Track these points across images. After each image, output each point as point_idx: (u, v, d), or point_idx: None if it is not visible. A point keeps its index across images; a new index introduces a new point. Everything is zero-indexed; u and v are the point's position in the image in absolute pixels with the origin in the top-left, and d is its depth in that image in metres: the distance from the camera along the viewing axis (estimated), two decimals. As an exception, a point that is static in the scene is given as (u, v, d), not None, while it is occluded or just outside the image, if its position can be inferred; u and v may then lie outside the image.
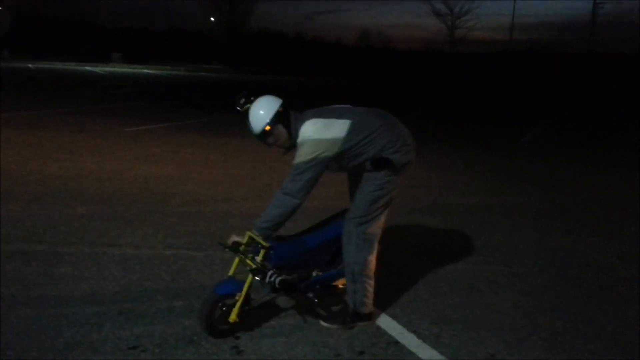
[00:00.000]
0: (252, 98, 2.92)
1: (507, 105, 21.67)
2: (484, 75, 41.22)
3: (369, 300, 3.00)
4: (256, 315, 3.02)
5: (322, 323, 3.02)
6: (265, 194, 5.80)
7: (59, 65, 40.33)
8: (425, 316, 3.22)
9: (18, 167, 6.52)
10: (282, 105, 2.86)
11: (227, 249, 2.90)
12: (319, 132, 2.81)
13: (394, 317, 3.18)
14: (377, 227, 2.97)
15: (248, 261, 2.84)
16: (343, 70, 46.64)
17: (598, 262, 4.31)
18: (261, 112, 2.84)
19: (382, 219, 2.99)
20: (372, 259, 2.97)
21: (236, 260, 2.92)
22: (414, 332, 3.01)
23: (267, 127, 2.82)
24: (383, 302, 3.30)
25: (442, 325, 3.11)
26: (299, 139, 2.83)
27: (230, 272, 2.93)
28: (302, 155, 2.78)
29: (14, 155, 7.19)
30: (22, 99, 14.93)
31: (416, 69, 46.26)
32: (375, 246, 2.99)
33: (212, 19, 58.76)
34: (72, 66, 40.52)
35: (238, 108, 2.92)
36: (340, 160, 2.88)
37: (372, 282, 2.99)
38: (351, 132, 2.83)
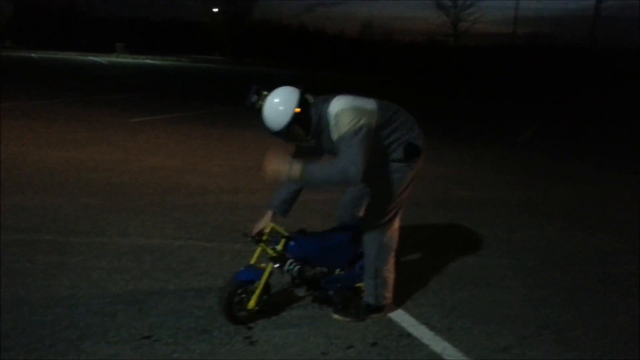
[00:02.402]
0: (264, 93, 2.68)
1: (509, 100, 21.60)
2: (486, 69, 41.05)
3: (389, 293, 3.02)
4: (272, 305, 3.04)
5: (334, 315, 3.01)
6: (271, 186, 5.78)
7: (62, 55, 40.24)
8: (437, 309, 3.22)
9: (23, 158, 6.52)
10: (300, 98, 2.66)
11: (250, 239, 2.93)
12: (353, 102, 2.69)
13: (405, 309, 3.18)
14: (395, 229, 2.96)
15: (269, 250, 2.87)
16: (345, 63, 46.45)
17: (605, 257, 4.31)
18: (280, 108, 2.62)
19: (398, 218, 2.98)
20: (393, 255, 2.98)
21: (258, 249, 2.94)
22: (426, 324, 3.02)
23: (285, 130, 2.63)
24: (394, 295, 3.31)
25: (454, 318, 3.11)
26: (333, 113, 2.64)
27: (252, 261, 2.95)
28: (345, 124, 2.58)
29: (19, 146, 7.18)
30: (26, 89, 14.90)
31: (419, 62, 46.07)
32: (395, 243, 2.98)
33: (215, 9, 58.55)
34: (75, 56, 40.42)
35: (248, 104, 2.69)
36: (372, 140, 2.68)
37: (393, 276, 3.00)
38: (380, 109, 2.77)
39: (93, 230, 4.19)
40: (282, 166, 2.55)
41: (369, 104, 2.77)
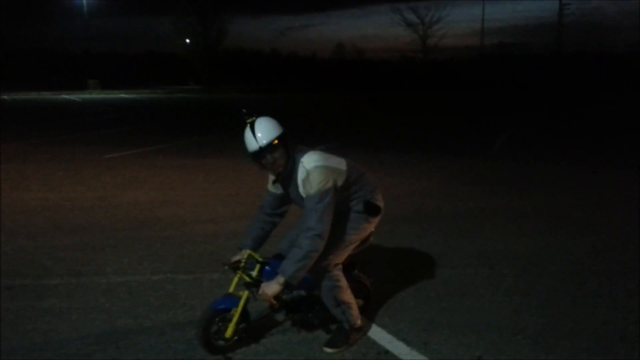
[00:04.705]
0: (254, 117, 2.82)
1: (480, 111, 22.02)
2: (457, 82, 41.94)
3: (357, 311, 3.05)
4: (251, 332, 3.06)
5: (327, 350, 2.96)
6: (250, 212, 5.83)
7: (34, 95, 39.90)
8: (414, 323, 3.28)
9: (-2, 202, 6.45)
10: (284, 132, 2.81)
11: (227, 267, 2.98)
12: (326, 160, 2.84)
13: (383, 326, 3.23)
14: (341, 266, 3.01)
15: (244, 276, 2.90)
16: (319, 85, 46.98)
17: (578, 261, 4.42)
18: (270, 126, 2.78)
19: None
20: (344, 281, 2.99)
21: (236, 277, 2.98)
22: (403, 340, 3.07)
23: (275, 142, 2.75)
24: (371, 312, 3.36)
25: (431, 331, 3.17)
26: (306, 168, 2.78)
27: (230, 289, 2.97)
28: (316, 183, 2.75)
29: (-7, 190, 7.11)
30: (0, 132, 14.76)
31: (391, 79, 46.87)
32: (341, 271, 3.01)
33: (187, 40, 58.85)
34: (48, 95, 40.09)
35: (243, 116, 2.82)
36: (339, 197, 2.85)
37: (351, 295, 3.01)
38: (349, 169, 2.93)
39: (69, 271, 4.17)
40: (272, 288, 2.74)
41: (341, 164, 2.92)
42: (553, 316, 3.38)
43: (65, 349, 3.00)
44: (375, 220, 3.05)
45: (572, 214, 5.86)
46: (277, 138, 2.75)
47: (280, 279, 2.72)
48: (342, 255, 2.97)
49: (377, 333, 3.15)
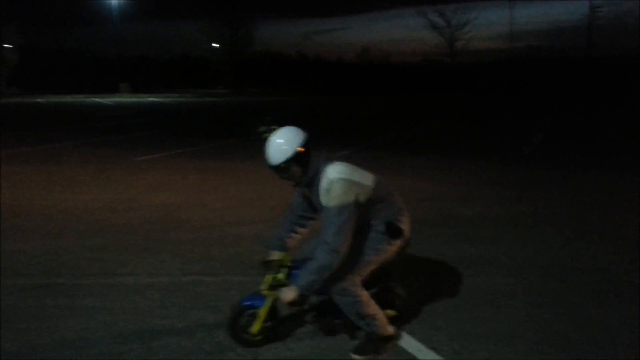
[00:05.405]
0: (274, 127, 2.83)
1: (509, 115, 21.68)
2: (485, 85, 41.43)
3: (384, 321, 2.98)
4: (280, 333, 3.09)
5: (354, 356, 2.93)
6: (276, 215, 5.85)
7: (67, 98, 40.99)
8: (443, 332, 3.23)
9: (32, 202, 6.65)
10: (304, 143, 2.78)
11: (259, 267, 3.07)
12: (351, 174, 2.79)
13: (412, 334, 3.19)
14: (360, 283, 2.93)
15: (271, 278, 2.93)
16: (346, 88, 47.00)
17: (609, 269, 4.29)
18: (284, 147, 2.76)
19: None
20: (365, 292, 2.93)
21: (268, 277, 2.99)
22: (433, 348, 3.03)
23: (283, 165, 2.76)
24: (401, 319, 3.32)
25: (461, 341, 3.12)
26: (329, 178, 2.73)
27: (262, 287, 2.99)
28: (336, 196, 2.70)
29: (27, 191, 7.33)
30: (34, 134, 15.20)
31: (418, 82, 46.60)
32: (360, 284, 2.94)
33: (215, 45, 59.66)
34: (80, 98, 41.15)
35: (257, 133, 2.85)
36: (360, 213, 2.79)
37: (375, 306, 2.95)
38: (377, 185, 2.86)
39: (101, 272, 4.26)
40: (289, 294, 2.75)
41: (367, 180, 2.85)
42: (587, 328, 3.29)
43: (97, 347, 3.06)
44: (397, 243, 2.94)
45: (606, 222, 5.70)
46: (287, 160, 2.75)
47: (296, 287, 2.74)
48: (360, 275, 2.89)
49: (405, 341, 3.11)
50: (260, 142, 2.91)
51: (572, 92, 35.11)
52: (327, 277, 2.75)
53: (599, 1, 47.94)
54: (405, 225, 2.96)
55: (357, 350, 2.95)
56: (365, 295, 2.89)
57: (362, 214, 2.81)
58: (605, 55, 45.31)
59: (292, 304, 2.79)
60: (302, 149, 2.77)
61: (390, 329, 3.00)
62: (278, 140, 2.78)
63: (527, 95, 34.55)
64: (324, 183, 2.75)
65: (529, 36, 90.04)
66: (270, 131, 2.83)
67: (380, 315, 2.96)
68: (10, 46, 51.80)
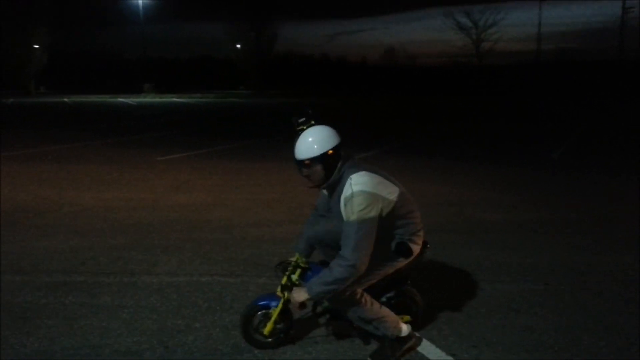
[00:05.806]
0: (312, 122, 2.79)
1: (537, 118, 21.32)
2: (513, 88, 40.83)
3: (395, 322, 2.91)
4: (292, 337, 3.06)
5: None
6: (296, 218, 5.85)
7: (93, 98, 41.75)
8: (464, 339, 3.17)
9: (56, 200, 6.76)
10: (335, 147, 2.74)
11: (275, 267, 3.05)
12: (376, 186, 2.70)
13: (431, 340, 3.13)
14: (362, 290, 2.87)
15: (284, 278, 2.91)
16: (369, 90, 46.84)
17: (636, 278, 4.16)
18: (314, 145, 2.72)
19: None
20: (370, 298, 2.88)
21: (284, 278, 2.98)
22: (453, 355, 2.97)
23: (308, 162, 2.73)
24: (419, 325, 3.26)
25: (481, 348, 3.05)
26: (351, 189, 2.65)
27: (278, 289, 2.97)
28: (358, 209, 2.61)
29: (52, 189, 7.46)
30: (60, 133, 15.51)
31: (444, 84, 46.17)
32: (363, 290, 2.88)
33: (238, 46, 60.08)
34: (105, 98, 41.87)
35: (295, 123, 2.79)
36: (380, 226, 2.71)
37: (381, 308, 2.89)
38: (400, 199, 2.78)
39: (122, 270, 4.30)
40: (299, 295, 2.75)
41: (391, 194, 2.76)
42: (611, 336, 3.19)
43: (116, 346, 3.07)
44: (405, 262, 2.88)
45: (635, 230, 5.54)
46: (314, 158, 2.71)
47: (307, 291, 2.72)
48: (363, 286, 2.83)
49: (425, 347, 3.06)
50: (279, 144, 2.87)
51: (603, 95, 34.37)
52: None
53: (632, 1, 46.88)
54: (417, 245, 2.89)
55: (375, 356, 2.91)
56: (366, 299, 2.84)
57: (381, 227, 2.73)
58: (639, 57, 44.17)
59: (302, 306, 2.77)
60: (331, 152, 2.72)
61: (403, 330, 2.93)
62: (310, 137, 2.74)
63: (556, 98, 33.95)
64: (346, 191, 2.69)
65: (558, 38, 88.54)
66: (306, 124, 2.78)
67: (389, 317, 2.90)
68: (39, 47, 53.05)
